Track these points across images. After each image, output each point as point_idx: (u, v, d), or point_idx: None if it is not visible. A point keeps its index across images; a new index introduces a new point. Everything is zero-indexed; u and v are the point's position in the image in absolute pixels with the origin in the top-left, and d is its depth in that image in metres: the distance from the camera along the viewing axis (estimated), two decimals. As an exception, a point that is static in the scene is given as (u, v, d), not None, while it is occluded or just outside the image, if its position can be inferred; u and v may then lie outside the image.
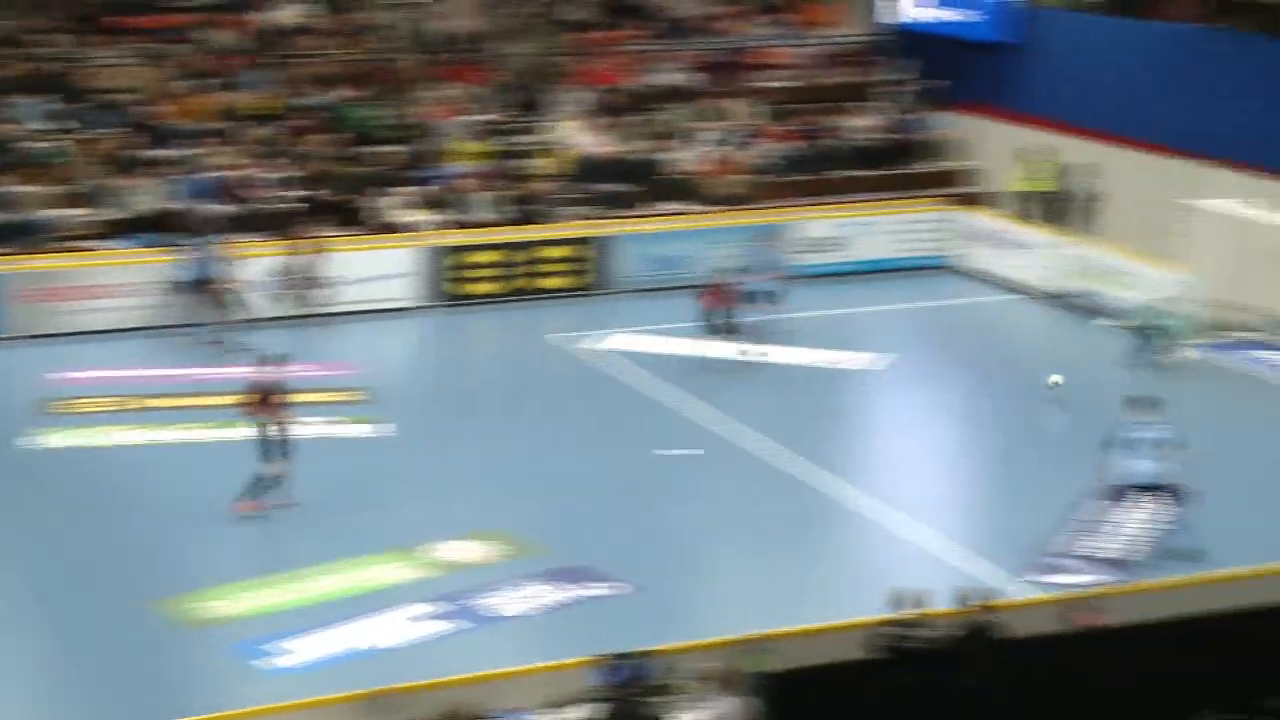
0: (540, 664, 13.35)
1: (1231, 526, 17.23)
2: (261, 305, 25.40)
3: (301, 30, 30.85)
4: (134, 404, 22.05)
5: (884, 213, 29.15)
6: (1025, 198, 29.80)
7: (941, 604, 13.57)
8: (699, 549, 17.73)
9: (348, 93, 29.44)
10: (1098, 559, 17.10)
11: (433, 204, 27.80)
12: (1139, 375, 22.62)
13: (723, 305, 23.69)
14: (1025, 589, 16.17)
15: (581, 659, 13.24)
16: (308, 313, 25.49)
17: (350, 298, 26.01)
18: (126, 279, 25.33)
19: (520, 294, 26.99)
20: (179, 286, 24.79)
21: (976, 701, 12.92)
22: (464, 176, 28.25)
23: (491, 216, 27.85)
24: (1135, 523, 17.80)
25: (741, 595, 16.72)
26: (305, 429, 20.69)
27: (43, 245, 25.81)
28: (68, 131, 27.58)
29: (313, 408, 21.62)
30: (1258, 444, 20.36)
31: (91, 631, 15.63)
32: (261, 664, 15.05)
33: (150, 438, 20.86)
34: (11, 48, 28.90)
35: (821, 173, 30.78)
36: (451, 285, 26.72)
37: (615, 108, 30.31)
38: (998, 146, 30.89)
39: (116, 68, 29.15)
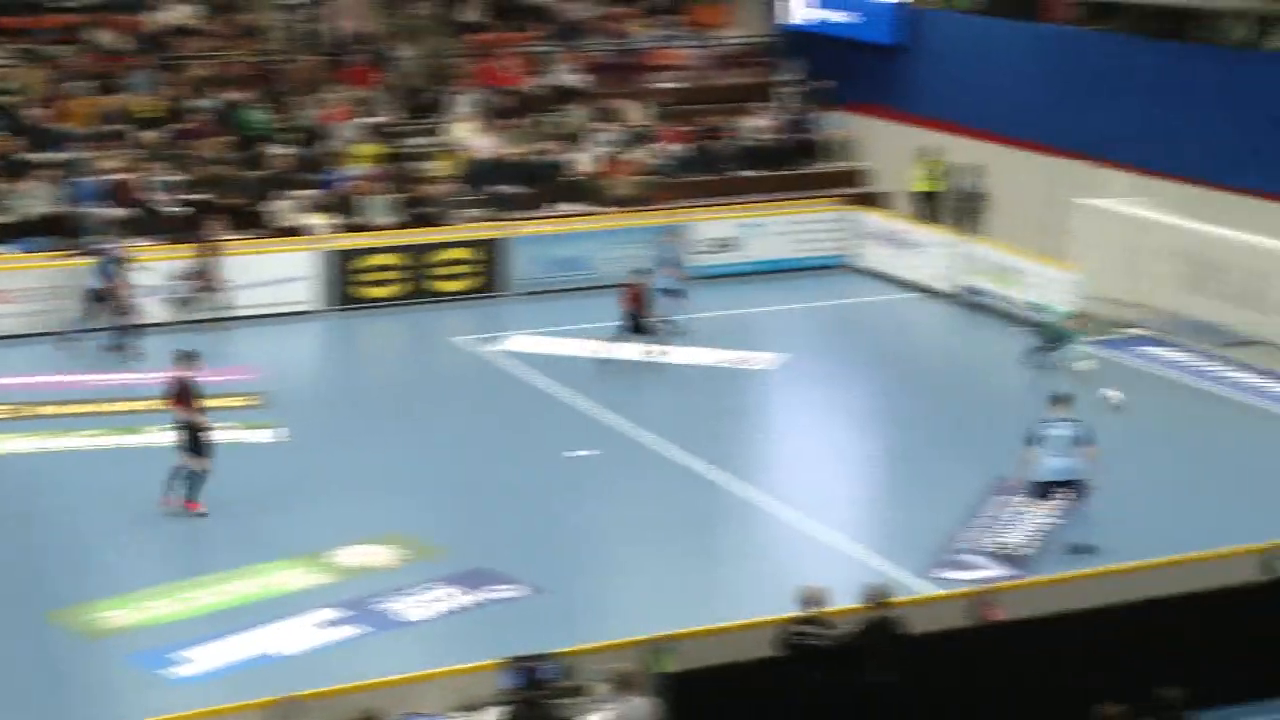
0: (445, 668, 13.26)
1: (1123, 520, 17.53)
2: (158, 310, 25.06)
3: (190, 32, 30.49)
4: (27, 411, 21.68)
5: (781, 213, 29.34)
6: (920, 197, 30.16)
7: (845, 601, 13.66)
8: (602, 549, 17.75)
9: (239, 95, 29.13)
10: (998, 554, 17.32)
11: (328, 207, 27.58)
12: (1037, 374, 22.92)
13: (637, 304, 23.74)
14: (928, 585, 16.33)
15: (486, 662, 13.18)
16: (204, 317, 25.20)
17: (247, 302, 25.75)
18: (14, 284, 24.88)
19: (419, 297, 26.86)
20: (79, 291, 24.35)
21: (881, 698, 13.05)
22: (359, 179, 28.05)
23: (388, 219, 27.68)
24: (1035, 518, 18.07)
25: (645, 595, 16.75)
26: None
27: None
28: (-49, 135, 27.13)
29: (211, 413, 21.43)
30: (1149, 439, 20.71)
31: (-13, 644, 15.37)
32: (164, 673, 14.85)
33: (45, 445, 20.52)
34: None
35: (717, 173, 30.95)
36: (350, 289, 26.53)
37: (510, 109, 30.25)
38: (890, 147, 31.24)
39: (1, 69, 28.67)
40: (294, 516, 18.31)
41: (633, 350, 23.89)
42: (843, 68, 32.14)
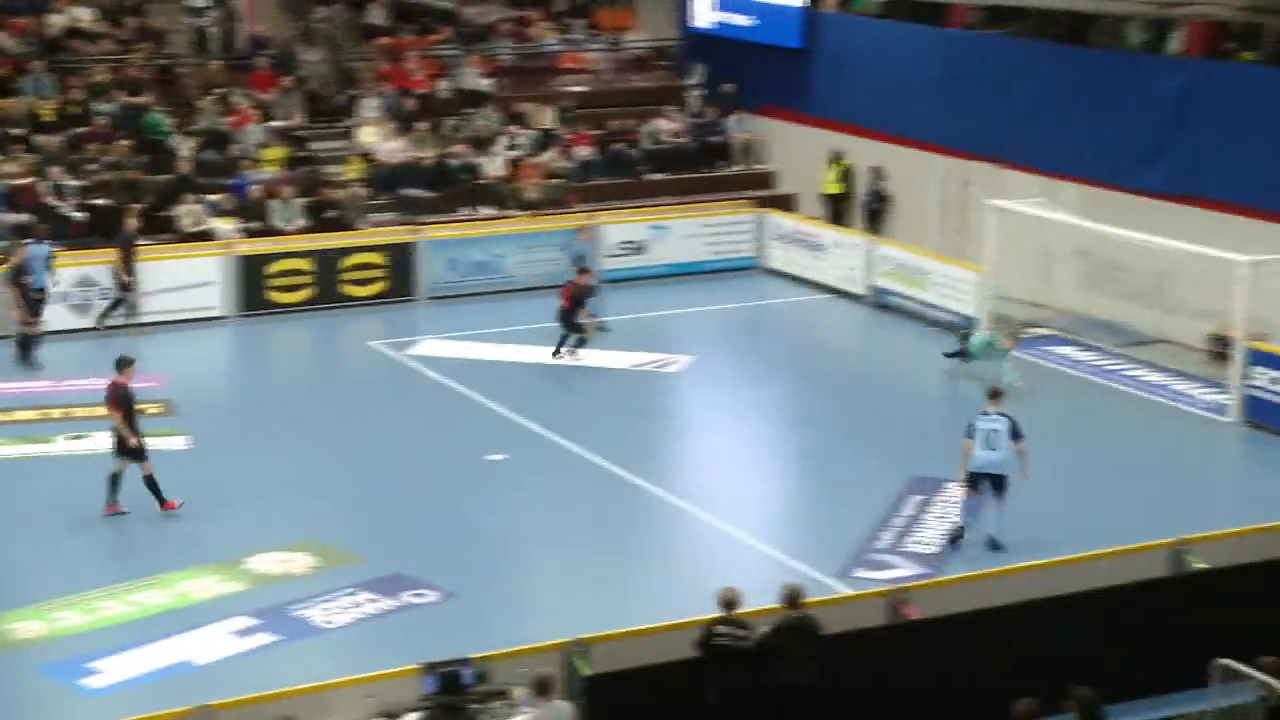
0: (361, 675, 13.18)
1: (1033, 518, 17.74)
2: (63, 316, 24.70)
3: (90, 35, 30.06)
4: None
5: (691, 215, 29.41)
6: (829, 199, 30.39)
7: (762, 602, 13.72)
8: (518, 553, 17.72)
9: (141, 99, 28.78)
10: (915, 553, 17.45)
11: (234, 212, 27.30)
12: (956, 378, 23.10)
13: (569, 302, 23.74)
14: (843, 585, 16.43)
15: (401, 668, 13.12)
16: (114, 323, 24.88)
17: (155, 307, 25.45)
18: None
19: (329, 302, 26.64)
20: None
21: (798, 698, 13.12)
22: (265, 184, 27.80)
23: (294, 224, 27.46)
24: (951, 517, 18.26)
25: (562, 598, 16.76)
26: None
27: None
28: None
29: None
30: (1056, 437, 20.96)
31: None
32: (75, 685, 14.66)
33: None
34: None
35: (627, 176, 31.00)
36: (259, 294, 26.28)
37: (417, 113, 30.10)
38: (798, 149, 31.45)
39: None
40: (206, 524, 18.12)
41: (541, 353, 23.91)
42: (749, 71, 32.32)
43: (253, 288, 26.22)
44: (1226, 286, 22.11)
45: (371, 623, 15.90)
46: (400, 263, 27.14)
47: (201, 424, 20.95)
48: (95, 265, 25.12)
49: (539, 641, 13.53)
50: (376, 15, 32.31)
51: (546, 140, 30.56)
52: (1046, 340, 25.17)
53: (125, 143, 27.70)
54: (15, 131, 27.57)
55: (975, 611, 13.98)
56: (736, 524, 18.33)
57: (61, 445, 20.53)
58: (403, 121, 29.70)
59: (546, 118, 31.10)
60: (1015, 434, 17.29)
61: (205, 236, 26.75)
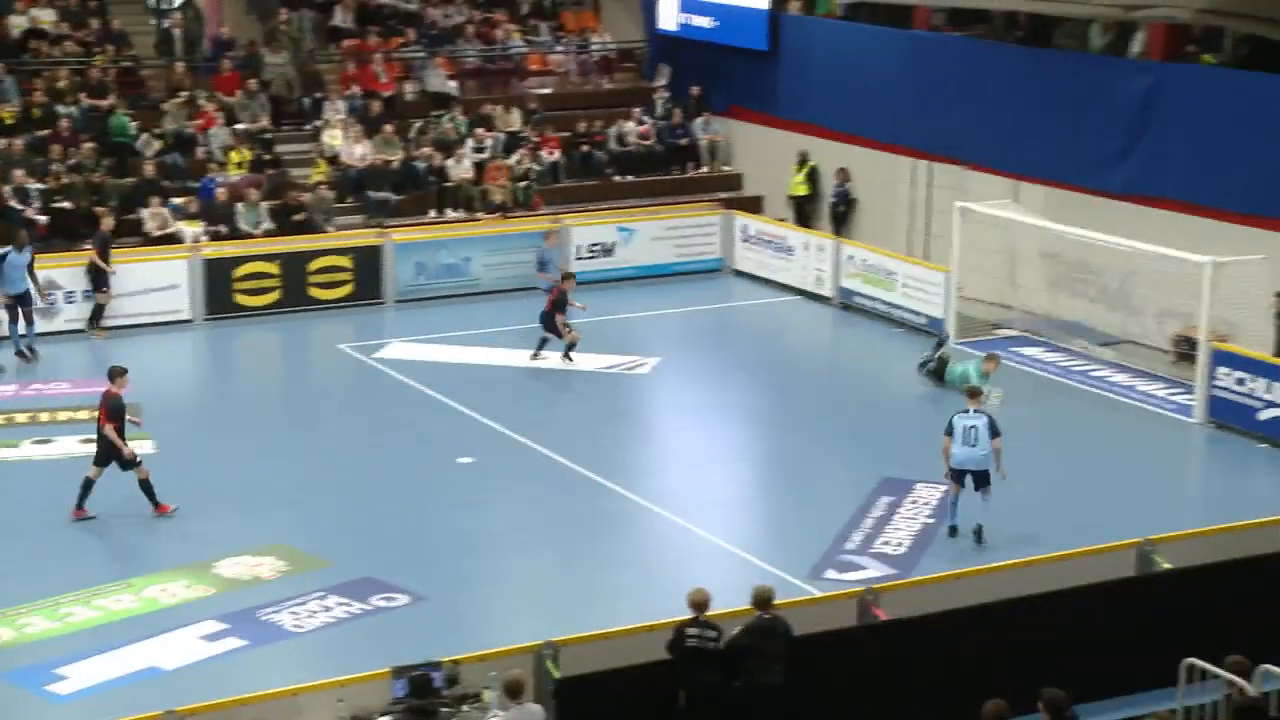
0: (330, 679, 13.14)
1: (1001, 518, 17.83)
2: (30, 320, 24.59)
3: (52, 37, 29.88)
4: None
5: (659, 217, 29.44)
6: (796, 201, 30.45)
7: (732, 604, 13.74)
8: (487, 556, 17.68)
9: (105, 101, 28.64)
10: (884, 554, 17.50)
11: (199, 215, 27.18)
12: (922, 379, 23.17)
13: (552, 306, 23.74)
14: (813, 586, 16.45)
15: (372, 672, 13.10)
16: (79, 328, 24.76)
17: (121, 311, 25.33)
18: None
19: (296, 305, 26.54)
20: None
21: (771, 699, 13.15)
22: (230, 186, 27.69)
23: (261, 227, 27.36)
24: (921, 518, 18.34)
25: (533, 601, 16.77)
26: (82, 447, 20.22)
27: None
28: None
29: (89, 425, 21.05)
30: (1023, 438, 21.02)
31: None
32: (43, 691, 14.57)
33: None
34: None
35: (594, 178, 31.01)
36: (226, 297, 26.17)
37: (383, 116, 30.02)
38: (765, 151, 31.52)
39: None
40: (174, 528, 18.06)
41: (511, 356, 23.91)
42: (715, 73, 32.37)
43: (219, 291, 26.11)
44: (1191, 287, 22.25)
45: (341, 627, 15.86)
46: (367, 266, 27.07)
47: (168, 428, 20.84)
48: (59, 269, 24.94)
49: (509, 644, 13.54)
50: (342, 18, 32.20)
51: (513, 142, 30.53)
52: (1013, 341, 25.27)
53: (89, 145, 27.56)
54: (-23, 134, 27.43)
55: (945, 612, 14.03)
56: (706, 526, 18.35)
57: (26, 450, 20.41)
58: (369, 124, 29.62)
59: (513, 120, 31.07)
60: (993, 431, 17.52)
61: (171, 240, 26.63)
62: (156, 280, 25.68)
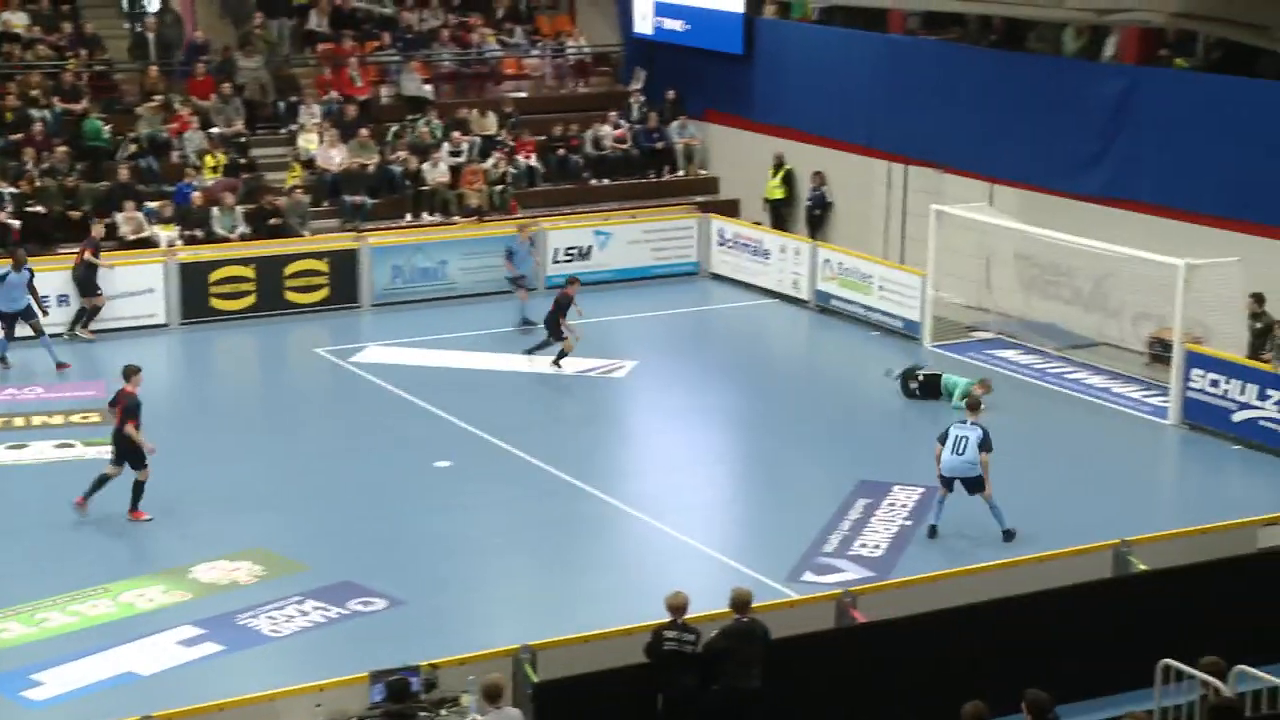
0: (308, 684, 13.12)
1: (978, 519, 17.89)
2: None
3: (24, 40, 29.75)
4: None
5: (636, 221, 29.45)
6: (772, 204, 30.50)
7: (713, 607, 13.76)
8: (466, 560, 17.66)
9: (78, 105, 28.54)
10: (862, 556, 17.53)
11: (174, 219, 27.10)
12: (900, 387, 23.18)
13: (555, 308, 23.69)
14: (793, 589, 16.48)
15: (350, 677, 13.08)
16: (55, 331, 24.69)
17: (99, 316, 25.21)
18: None
19: (273, 309, 26.49)
20: None
21: (749, 703, 13.16)
22: (206, 190, 27.62)
23: (236, 231, 27.30)
24: (898, 520, 18.39)
25: (511, 605, 16.76)
26: (56, 452, 20.20)
27: None
28: None
29: (63, 430, 21.06)
30: (1000, 440, 21.09)
31: None
32: (18, 698, 14.50)
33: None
34: None
35: (571, 182, 31.02)
36: (202, 301, 26.09)
37: (359, 120, 29.99)
38: (741, 155, 31.56)
39: None
40: (151, 533, 18.01)
41: (486, 359, 23.92)
42: (691, 76, 32.40)
43: (195, 295, 26.04)
44: (1164, 290, 22.35)
45: (319, 631, 15.82)
46: (344, 269, 27.03)
47: (144, 432, 20.74)
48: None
49: (487, 648, 13.53)
50: (317, 22, 32.15)
51: (489, 146, 30.51)
52: (988, 344, 25.35)
53: (63, 149, 27.46)
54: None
55: (922, 614, 14.06)
56: (684, 529, 18.35)
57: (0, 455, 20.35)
58: (344, 128, 29.58)
59: (489, 124, 31.05)
60: (984, 446, 17.65)
61: (146, 244, 26.54)
62: (131, 285, 25.60)
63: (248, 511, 18.67)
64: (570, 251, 28.59)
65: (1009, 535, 17.72)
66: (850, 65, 29.37)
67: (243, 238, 27.23)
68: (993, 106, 26.64)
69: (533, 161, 30.81)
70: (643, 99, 32.68)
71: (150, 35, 30.63)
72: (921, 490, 19.17)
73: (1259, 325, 21.83)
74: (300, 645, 15.55)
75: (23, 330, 23.86)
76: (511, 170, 30.22)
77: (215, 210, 27.27)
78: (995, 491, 17.82)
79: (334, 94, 30.45)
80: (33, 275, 23.83)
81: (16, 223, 26.20)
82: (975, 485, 17.81)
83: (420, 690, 12.91)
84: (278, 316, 26.45)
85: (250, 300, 26.41)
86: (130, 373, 18.42)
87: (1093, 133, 25.16)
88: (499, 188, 29.80)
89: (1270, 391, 20.70)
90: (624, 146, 31.75)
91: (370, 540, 17.95)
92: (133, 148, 28.23)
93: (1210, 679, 12.26)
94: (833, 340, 26.42)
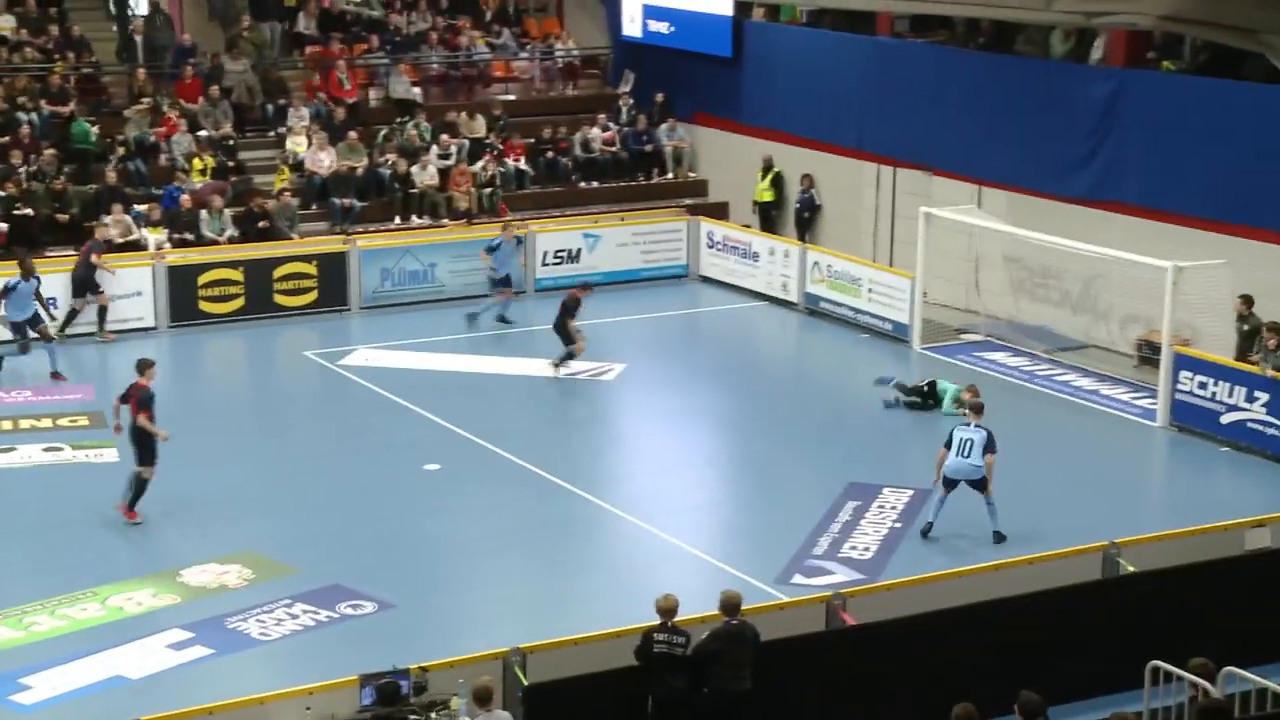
0: (298, 687, 13.11)
1: (967, 521, 17.91)
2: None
3: (11, 43, 29.70)
4: None
5: (625, 224, 29.45)
6: (762, 207, 30.51)
7: (703, 609, 13.76)
8: (454, 563, 17.66)
9: (65, 108, 28.49)
10: (852, 559, 17.54)
11: (162, 222, 27.05)
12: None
13: (564, 311, 23.67)
14: (783, 591, 16.49)
15: (339, 680, 13.08)
16: (42, 335, 24.63)
17: (86, 318, 25.18)
18: None
19: (262, 312, 26.46)
20: None
21: (739, 705, 13.17)
22: (194, 193, 27.58)
23: (225, 234, 27.26)
24: (888, 522, 18.40)
25: (501, 607, 16.73)
26: (45, 455, 20.16)
27: None
28: None
29: (53, 433, 21.02)
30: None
31: None
32: (6, 702, 14.48)
33: None
34: None
35: (560, 185, 31.01)
36: (191, 304, 26.05)
37: (347, 122, 29.96)
38: (730, 157, 31.58)
39: None
40: (140, 537, 17.99)
41: (473, 362, 23.94)
42: (680, 79, 32.41)
43: (183, 298, 26.00)
44: (1153, 292, 22.39)
45: (308, 634, 15.81)
46: (333, 272, 27.00)
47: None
48: (13, 277, 24.80)
49: (477, 651, 13.53)
50: (305, 25, 32.13)
51: (478, 149, 30.50)
52: (977, 346, 25.38)
53: (51, 152, 27.42)
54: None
55: (912, 617, 14.08)
56: (674, 531, 18.35)
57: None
58: (333, 131, 29.56)
59: (478, 126, 31.05)
60: (989, 448, 17.74)
61: (134, 247, 26.50)
62: (120, 288, 25.55)
63: (237, 514, 18.64)
64: (559, 254, 28.59)
65: (999, 537, 17.76)
66: (839, 68, 29.40)
67: (231, 241, 27.20)
68: (981, 109, 26.67)
69: (522, 164, 30.81)
70: (631, 102, 32.69)
71: (138, 38, 30.58)
72: (911, 492, 19.19)
73: (1246, 327, 21.87)
74: (290, 648, 15.53)
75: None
76: (500, 173, 30.22)
77: (204, 213, 27.24)
78: (974, 492, 17.86)
79: (323, 96, 30.42)
80: (40, 284, 23.77)
81: (4, 225, 26.15)
82: (981, 486, 17.88)
83: (410, 693, 12.92)
84: (267, 319, 26.43)
85: (239, 303, 26.39)
86: (144, 366, 18.46)
87: (1081, 135, 25.20)
88: (488, 190, 29.80)
89: (1258, 393, 20.74)
90: (613, 149, 31.76)
91: (360, 543, 17.94)
92: (120, 150, 28.16)
93: (1199, 680, 12.28)
94: (822, 343, 26.43)
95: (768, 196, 30.55)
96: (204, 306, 26.17)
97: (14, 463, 20.09)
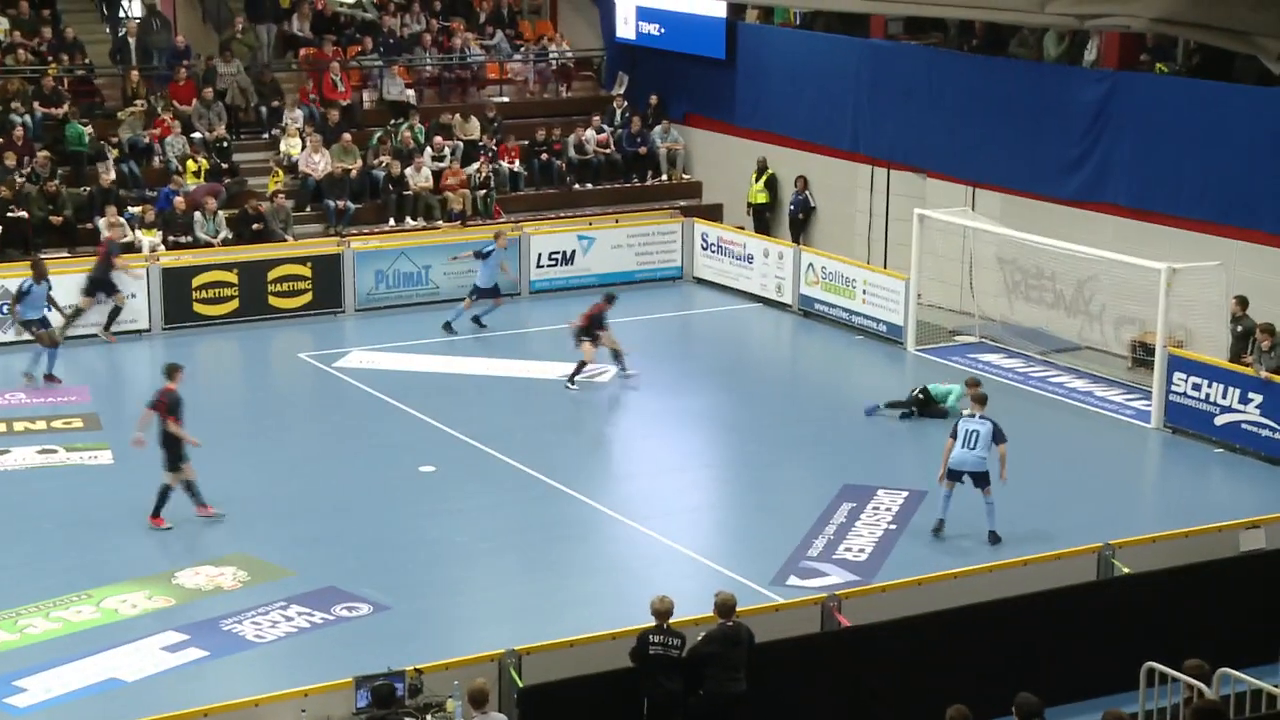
0: (292, 689, 13.10)
1: (962, 523, 17.92)
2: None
3: (6, 45, 29.64)
4: None
5: (620, 226, 29.46)
6: (756, 209, 30.53)
7: (698, 611, 13.77)
8: (450, 565, 17.67)
9: (59, 110, 28.46)
10: (847, 560, 17.54)
11: (156, 224, 27.04)
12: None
13: (586, 321, 23.58)
14: (778, 593, 16.49)
15: (334, 682, 13.07)
16: (34, 337, 24.61)
17: (81, 321, 25.08)
18: None
19: (256, 314, 26.43)
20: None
21: (734, 707, 13.17)
22: (188, 195, 27.56)
23: (219, 236, 27.25)
24: (883, 524, 18.42)
25: (495, 610, 16.73)
26: (39, 457, 20.13)
27: None
28: None
29: (48, 435, 21.00)
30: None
31: None
32: (2, 704, 14.45)
33: None
34: None
35: (554, 187, 31.01)
36: (185, 306, 26.02)
37: (341, 124, 29.95)
38: (724, 159, 31.59)
39: None
40: (134, 539, 17.97)
41: (467, 364, 23.94)
42: (674, 81, 32.42)
43: (178, 300, 25.98)
44: (1146, 293, 22.42)
45: (303, 636, 15.80)
46: (327, 274, 26.98)
47: (127, 438, 20.67)
48: (11, 278, 24.81)
49: (473, 653, 13.53)
50: (298, 27, 32.12)
51: (472, 151, 30.50)
52: (971, 348, 25.40)
53: (44, 154, 27.39)
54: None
55: (907, 618, 14.09)
56: (668, 533, 18.36)
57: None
58: (327, 133, 29.55)
59: (472, 129, 31.05)
60: (998, 437, 17.76)
61: (128, 249, 26.46)
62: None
63: (232, 517, 18.61)
64: (554, 256, 28.59)
65: (995, 538, 17.77)
66: (832, 70, 29.42)
67: (225, 243, 27.19)
68: (975, 111, 26.70)
69: (516, 166, 30.81)
70: (625, 103, 32.70)
71: (131, 40, 30.56)
72: (905, 494, 19.22)
73: (1240, 329, 21.90)
74: (285, 651, 15.53)
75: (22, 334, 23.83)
76: (494, 174, 30.22)
77: (198, 215, 27.23)
78: (974, 492, 17.86)
79: (317, 99, 30.41)
80: (51, 288, 23.73)
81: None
82: (983, 480, 17.85)
83: (405, 695, 12.90)
84: (261, 321, 26.41)
85: (233, 305, 26.37)
86: (172, 370, 18.46)
87: (1074, 137, 25.24)
88: (482, 192, 29.80)
89: (1252, 395, 20.78)
90: (607, 151, 31.77)
91: (354, 545, 17.93)
92: (114, 152, 28.14)
93: (1194, 682, 12.30)
94: (816, 345, 26.45)
95: (762, 198, 30.56)
96: (198, 309, 26.15)
97: (8, 465, 20.06)
